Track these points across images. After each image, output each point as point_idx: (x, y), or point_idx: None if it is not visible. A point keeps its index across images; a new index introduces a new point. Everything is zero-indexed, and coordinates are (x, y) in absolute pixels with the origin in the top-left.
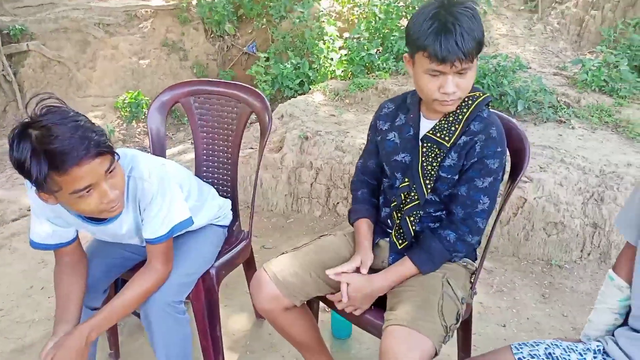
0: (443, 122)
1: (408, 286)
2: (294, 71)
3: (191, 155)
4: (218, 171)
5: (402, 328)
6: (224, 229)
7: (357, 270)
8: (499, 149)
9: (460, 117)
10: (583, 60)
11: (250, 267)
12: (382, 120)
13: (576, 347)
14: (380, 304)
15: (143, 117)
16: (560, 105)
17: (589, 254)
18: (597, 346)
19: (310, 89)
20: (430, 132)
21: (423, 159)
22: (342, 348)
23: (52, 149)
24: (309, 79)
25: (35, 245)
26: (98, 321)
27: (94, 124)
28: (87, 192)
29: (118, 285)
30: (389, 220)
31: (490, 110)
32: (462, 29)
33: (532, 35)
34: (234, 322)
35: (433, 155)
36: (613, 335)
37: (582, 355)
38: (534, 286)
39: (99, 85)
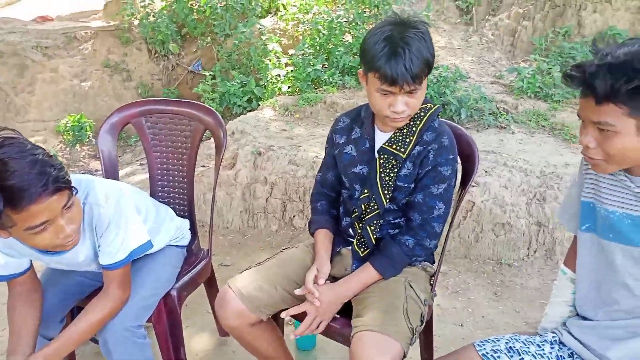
0: (398, 134)
1: (372, 292)
2: (241, 88)
3: (140, 177)
4: (174, 191)
5: (372, 333)
6: (182, 249)
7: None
8: (450, 157)
9: (414, 128)
10: (518, 68)
11: (212, 286)
12: (339, 133)
13: (534, 339)
14: (345, 313)
15: (87, 140)
16: (500, 112)
17: (535, 252)
18: (553, 337)
19: (258, 105)
20: (386, 144)
21: (381, 170)
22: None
23: (9, 185)
24: (256, 95)
25: None
26: (53, 350)
27: (52, 156)
28: (43, 228)
29: (74, 314)
30: (350, 230)
31: (440, 119)
32: (411, 53)
33: (469, 46)
34: (197, 342)
35: (390, 166)
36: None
37: (540, 347)
38: (487, 285)
39: (38, 110)
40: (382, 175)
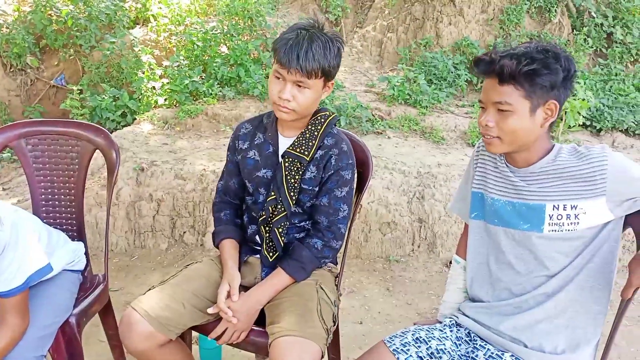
0: (301, 138)
1: (285, 297)
2: (113, 102)
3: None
4: (61, 216)
5: (290, 338)
6: (78, 274)
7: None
8: (350, 161)
9: (315, 133)
10: (388, 77)
11: (107, 313)
12: (242, 140)
13: (435, 327)
14: (257, 322)
15: None
16: (375, 119)
17: (419, 246)
18: (450, 321)
19: (134, 119)
20: (291, 147)
21: (286, 172)
22: None
23: None
24: (131, 109)
25: None
26: None
27: None
28: None
29: None
30: (257, 237)
31: (336, 127)
32: (310, 49)
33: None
34: None
35: (295, 169)
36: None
37: (442, 331)
38: (379, 282)
39: None
40: (288, 177)
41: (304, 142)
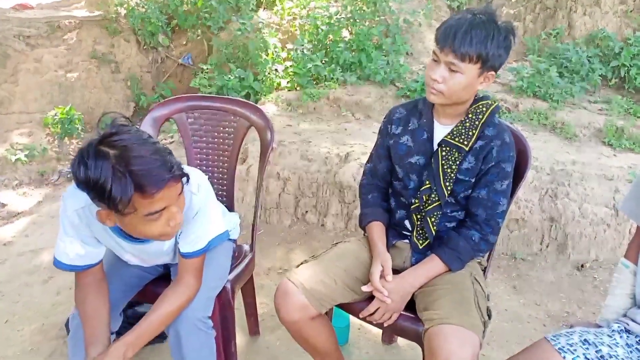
0: (460, 127)
1: (439, 285)
2: (239, 82)
3: None
4: (214, 187)
5: (450, 326)
6: (233, 242)
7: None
8: (511, 153)
9: (476, 122)
10: (517, 68)
11: (248, 282)
12: (395, 124)
13: (602, 331)
14: (406, 308)
15: (77, 133)
16: (502, 111)
17: (547, 246)
18: (618, 327)
19: (256, 100)
20: (449, 136)
21: (443, 162)
22: (343, 355)
23: (136, 170)
24: (254, 90)
25: (62, 266)
26: (133, 339)
27: (164, 146)
28: (160, 214)
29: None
30: (406, 222)
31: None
32: (468, 32)
33: None
34: None
35: (452, 159)
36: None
37: (611, 337)
38: (504, 279)
39: (23, 101)
40: (445, 167)
41: (463, 131)
